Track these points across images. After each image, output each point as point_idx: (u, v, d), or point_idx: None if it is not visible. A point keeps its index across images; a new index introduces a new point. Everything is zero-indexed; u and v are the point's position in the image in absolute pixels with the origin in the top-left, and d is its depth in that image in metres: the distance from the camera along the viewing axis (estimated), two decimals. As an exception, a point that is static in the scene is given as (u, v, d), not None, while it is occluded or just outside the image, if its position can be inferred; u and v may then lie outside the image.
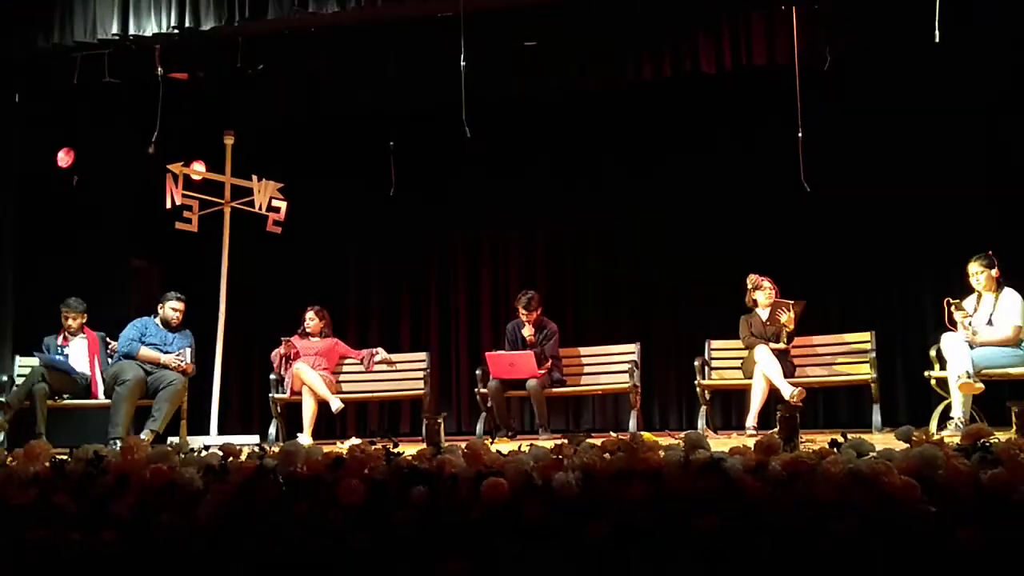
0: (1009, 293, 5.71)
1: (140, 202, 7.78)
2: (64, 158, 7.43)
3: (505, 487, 2.93)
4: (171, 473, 3.24)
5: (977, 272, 5.75)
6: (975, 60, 6.73)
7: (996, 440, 2.88)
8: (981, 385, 5.41)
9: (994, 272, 5.75)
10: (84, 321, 6.75)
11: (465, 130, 6.12)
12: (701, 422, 6.59)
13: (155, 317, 6.75)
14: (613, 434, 3.49)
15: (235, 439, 5.69)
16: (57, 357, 6.55)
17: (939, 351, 5.77)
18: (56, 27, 6.33)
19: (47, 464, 3.47)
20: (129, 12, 6.18)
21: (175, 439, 5.85)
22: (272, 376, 7.23)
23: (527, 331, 6.98)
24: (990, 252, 5.78)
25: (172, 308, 6.71)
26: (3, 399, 6.36)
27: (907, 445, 3.00)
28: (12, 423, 6.20)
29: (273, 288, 8.76)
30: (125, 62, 6.66)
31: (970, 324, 5.69)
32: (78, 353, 6.65)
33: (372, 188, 7.96)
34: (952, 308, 5.70)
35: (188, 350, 6.63)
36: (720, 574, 2.81)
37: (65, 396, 6.47)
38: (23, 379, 6.42)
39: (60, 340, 6.67)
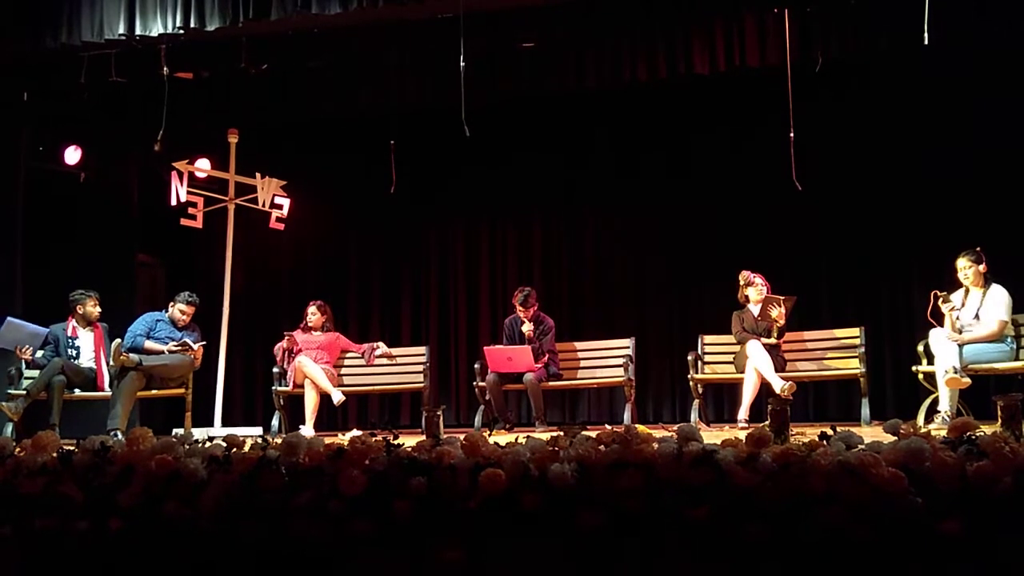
0: (996, 288, 5.76)
1: (146, 199, 7.84)
2: (71, 155, 7.50)
3: (502, 478, 2.98)
4: (176, 463, 3.30)
5: (965, 267, 5.80)
6: (962, 61, 6.79)
7: (982, 433, 2.93)
8: (968, 380, 5.45)
9: (981, 267, 5.79)
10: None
11: (464, 129, 6.19)
12: (694, 415, 6.65)
13: (165, 313, 6.84)
14: (608, 427, 3.53)
15: (239, 431, 5.78)
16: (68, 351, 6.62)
17: (927, 346, 5.81)
18: (64, 27, 6.35)
19: (54, 455, 3.53)
20: (135, 13, 6.21)
21: (180, 431, 5.92)
22: (275, 369, 7.31)
23: (526, 327, 7.05)
24: (978, 248, 5.83)
25: (180, 310, 6.76)
26: (11, 390, 6.42)
27: (895, 438, 3.05)
28: (23, 415, 6.25)
29: (276, 283, 8.84)
30: (131, 62, 6.69)
31: (957, 318, 5.76)
32: (86, 345, 6.72)
33: (373, 186, 8.01)
34: (939, 301, 5.76)
35: (193, 340, 6.72)
36: (712, 562, 2.88)
37: (75, 389, 6.54)
38: (41, 371, 6.46)
39: (70, 331, 6.70)
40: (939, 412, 5.51)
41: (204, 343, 6.78)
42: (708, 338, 7.06)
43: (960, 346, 5.57)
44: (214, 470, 3.28)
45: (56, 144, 7.50)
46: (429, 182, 8.37)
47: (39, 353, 6.62)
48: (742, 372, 6.45)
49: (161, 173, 7.23)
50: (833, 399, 7.47)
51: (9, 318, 6.51)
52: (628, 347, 7.12)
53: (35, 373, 6.60)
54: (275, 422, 7.16)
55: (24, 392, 6.35)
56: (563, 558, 2.96)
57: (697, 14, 6.27)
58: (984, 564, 2.72)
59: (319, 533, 3.12)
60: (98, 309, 6.79)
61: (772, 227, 7.69)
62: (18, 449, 3.68)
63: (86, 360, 6.67)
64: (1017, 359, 5.68)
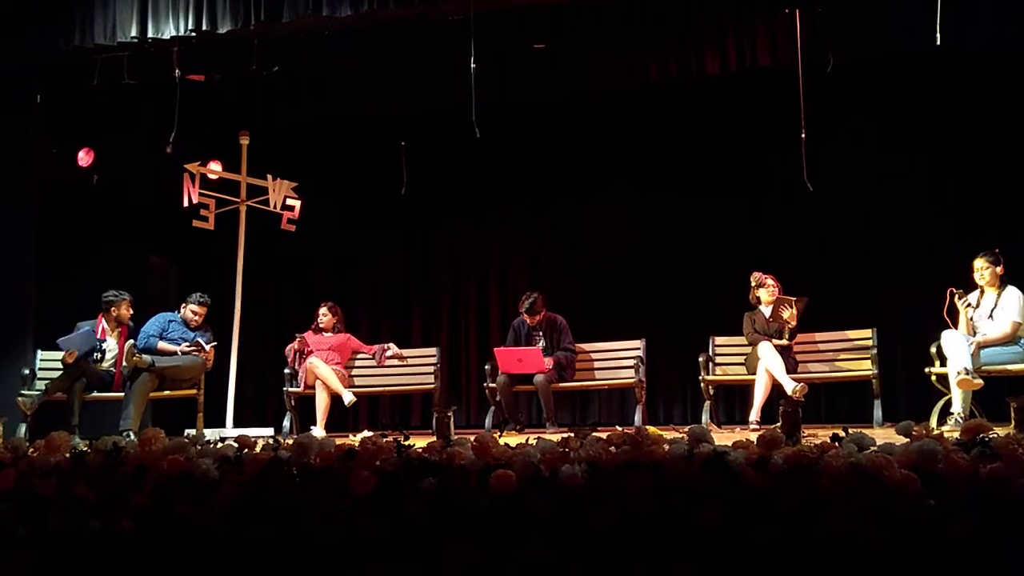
0: (1010, 290, 5.75)
1: (158, 200, 7.87)
2: (84, 158, 7.53)
3: (513, 479, 2.97)
4: (188, 464, 3.29)
5: (982, 267, 5.79)
6: (974, 62, 6.76)
7: (995, 435, 2.90)
8: (980, 381, 5.43)
9: (999, 269, 5.78)
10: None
11: (475, 131, 6.20)
12: (705, 417, 6.64)
13: (178, 313, 6.87)
14: (619, 428, 3.52)
15: (250, 431, 5.80)
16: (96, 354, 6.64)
17: (939, 348, 5.79)
18: (76, 30, 6.41)
19: (67, 455, 3.55)
20: (148, 15, 6.27)
21: (192, 431, 5.94)
22: (286, 370, 7.33)
23: (541, 344, 7.06)
24: (997, 250, 5.82)
25: (192, 311, 6.80)
26: (24, 391, 6.45)
27: (907, 440, 3.02)
28: (38, 415, 6.28)
29: (287, 284, 8.86)
30: (143, 64, 6.74)
31: (971, 318, 5.74)
32: (112, 348, 6.71)
33: (384, 187, 8.07)
34: (956, 297, 5.74)
35: (205, 341, 6.74)
36: (722, 565, 2.87)
37: (93, 391, 6.55)
38: (62, 372, 6.47)
39: (99, 334, 6.68)
40: (952, 414, 5.50)
41: (215, 343, 6.81)
42: (719, 339, 7.04)
43: (980, 347, 5.55)
44: (226, 471, 3.28)
45: (69, 146, 7.54)
46: (440, 183, 8.39)
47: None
48: (753, 373, 6.44)
49: (173, 175, 7.25)
50: (845, 401, 7.42)
51: (81, 325, 6.56)
52: (639, 348, 7.11)
53: (48, 375, 6.64)
54: (286, 423, 7.18)
55: (41, 391, 6.38)
56: (573, 559, 2.95)
57: (708, 15, 6.26)
58: (997, 567, 2.70)
59: (329, 534, 3.11)
60: (131, 312, 6.81)
61: (783, 228, 7.68)
62: (31, 450, 3.70)
63: (109, 363, 6.69)
64: (1030, 361, 5.66)
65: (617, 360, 7.21)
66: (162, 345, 6.65)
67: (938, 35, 5.61)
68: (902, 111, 7.32)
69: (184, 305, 6.87)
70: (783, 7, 6.29)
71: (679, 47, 6.69)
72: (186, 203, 7.07)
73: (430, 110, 7.44)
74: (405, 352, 7.60)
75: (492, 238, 8.67)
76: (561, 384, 7.05)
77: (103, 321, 6.75)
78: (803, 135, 6.21)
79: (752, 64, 6.52)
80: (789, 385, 6.12)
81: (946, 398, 5.71)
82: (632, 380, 6.93)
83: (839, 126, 7.27)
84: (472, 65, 6.11)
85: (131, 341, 6.52)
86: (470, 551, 2.99)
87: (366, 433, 4.20)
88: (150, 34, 6.33)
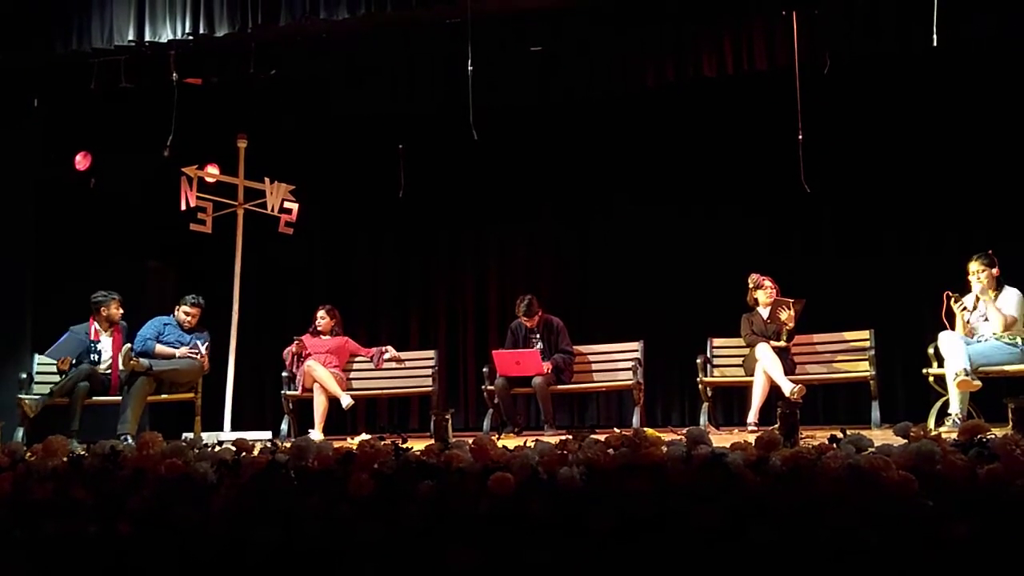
0: (1008, 289, 5.75)
1: (155, 204, 7.87)
2: (81, 161, 7.53)
3: (511, 481, 2.96)
4: (186, 467, 3.28)
5: (977, 271, 5.78)
6: (971, 62, 6.77)
7: (993, 436, 2.90)
8: (978, 382, 5.43)
9: (994, 271, 5.78)
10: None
11: (472, 133, 6.20)
12: (703, 418, 6.65)
13: (173, 316, 6.86)
14: (617, 430, 3.52)
15: (248, 435, 5.76)
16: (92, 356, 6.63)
17: (937, 349, 5.79)
18: (74, 34, 6.42)
19: (65, 459, 3.54)
20: (145, 19, 6.27)
21: (189, 435, 5.94)
22: (284, 373, 7.33)
23: (539, 346, 7.05)
24: (990, 251, 5.82)
25: (185, 312, 6.81)
26: (22, 394, 6.45)
27: (905, 441, 3.01)
28: (37, 419, 6.27)
29: (285, 288, 8.86)
30: (141, 68, 6.75)
31: (968, 321, 5.75)
32: (107, 349, 6.71)
33: (381, 190, 8.07)
34: (951, 301, 5.75)
35: (203, 344, 6.73)
36: (721, 566, 2.87)
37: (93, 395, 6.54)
38: (66, 376, 6.47)
39: (92, 335, 6.68)
40: (950, 415, 5.50)
41: (208, 343, 6.80)
42: (717, 341, 7.05)
43: (983, 341, 5.55)
44: (224, 474, 3.27)
45: (66, 150, 7.53)
46: (437, 186, 8.39)
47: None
48: (751, 375, 6.45)
49: (171, 178, 7.25)
50: (843, 402, 7.42)
51: (73, 329, 6.54)
52: (637, 350, 7.11)
53: (48, 379, 6.62)
54: (284, 426, 7.17)
55: (46, 393, 6.38)
56: (572, 562, 2.95)
57: (705, 18, 6.27)
58: (995, 568, 2.70)
59: (328, 537, 3.11)
60: (121, 311, 6.81)
61: (781, 229, 7.69)
62: (29, 454, 3.70)
63: (105, 364, 6.68)
64: (1028, 361, 5.66)
65: (615, 362, 7.22)
66: (159, 348, 6.64)
67: (935, 36, 5.61)
68: (899, 112, 7.33)
69: (177, 307, 6.86)
70: (779, 9, 6.31)
71: (676, 50, 6.70)
72: (184, 206, 7.06)
73: (428, 113, 7.44)
74: (403, 355, 7.61)
75: (490, 240, 8.67)
76: (559, 386, 7.06)
77: (95, 323, 6.74)
78: (800, 136, 6.21)
79: (749, 66, 6.53)
80: (787, 386, 6.13)
81: (944, 399, 5.70)
82: (630, 382, 6.93)
83: (836, 127, 7.28)
84: (469, 68, 6.11)
85: (128, 345, 6.52)
86: (468, 553, 2.99)
87: (364, 436, 4.21)
88: (147, 38, 6.34)
